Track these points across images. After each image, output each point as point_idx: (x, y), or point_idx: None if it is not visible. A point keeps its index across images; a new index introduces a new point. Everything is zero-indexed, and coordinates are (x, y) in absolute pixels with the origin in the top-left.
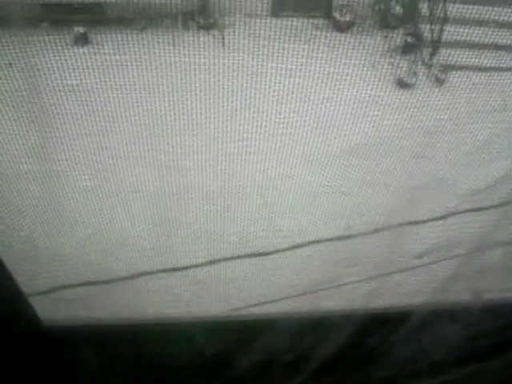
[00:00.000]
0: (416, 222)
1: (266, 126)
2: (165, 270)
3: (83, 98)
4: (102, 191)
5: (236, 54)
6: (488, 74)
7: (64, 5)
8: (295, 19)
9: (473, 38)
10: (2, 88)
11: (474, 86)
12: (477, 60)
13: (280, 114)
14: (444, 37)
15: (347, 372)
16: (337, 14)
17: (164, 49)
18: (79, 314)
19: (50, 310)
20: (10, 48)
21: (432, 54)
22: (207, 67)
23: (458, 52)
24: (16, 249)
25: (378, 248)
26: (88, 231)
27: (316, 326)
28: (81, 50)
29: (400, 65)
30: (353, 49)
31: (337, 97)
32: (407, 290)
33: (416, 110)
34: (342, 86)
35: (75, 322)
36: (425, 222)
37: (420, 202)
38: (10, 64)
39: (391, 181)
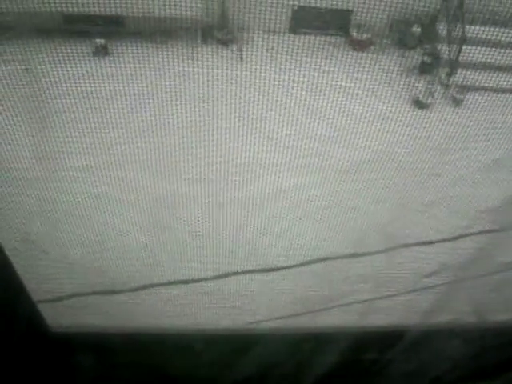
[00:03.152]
0: (426, 241)
1: (279, 139)
2: (172, 282)
3: (97, 106)
4: (111, 200)
5: (253, 68)
6: (505, 96)
7: (86, 16)
8: (313, 36)
9: (491, 59)
10: (24, 93)
11: (491, 107)
12: (494, 81)
13: (294, 128)
14: (462, 57)
15: None
16: (354, 33)
17: (182, 62)
18: (86, 322)
19: (57, 317)
20: (31, 57)
21: (449, 74)
22: (223, 79)
23: (475, 73)
24: (27, 256)
25: (386, 266)
26: (98, 239)
27: (322, 341)
28: (100, 60)
29: (417, 84)
30: (370, 66)
31: (352, 114)
32: (415, 308)
33: (432, 129)
34: (357, 104)
35: (82, 329)
36: (435, 240)
37: (431, 221)
38: (27, 69)
39: (402, 198)
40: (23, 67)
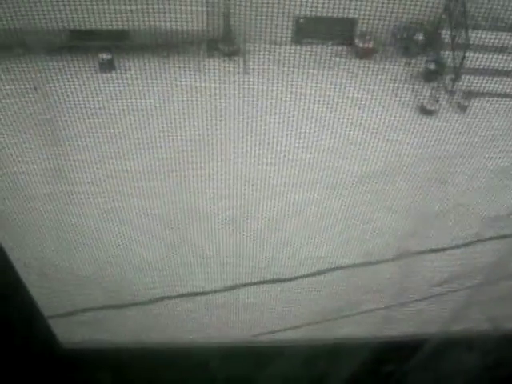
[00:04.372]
0: (437, 249)
1: (286, 151)
2: (183, 295)
3: (105, 122)
4: (121, 214)
5: (258, 80)
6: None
7: (92, 32)
8: (317, 46)
9: (495, 65)
10: (33, 111)
11: (497, 113)
12: (500, 86)
13: (300, 139)
14: (466, 63)
15: None
16: (359, 41)
17: (188, 75)
18: (97, 337)
19: (68, 333)
20: (37, 73)
21: (454, 81)
22: (229, 92)
23: (480, 78)
24: (37, 271)
25: (397, 275)
26: (108, 254)
27: (334, 352)
28: (107, 75)
29: (422, 91)
30: (375, 75)
31: (358, 122)
32: (427, 317)
33: (438, 136)
34: (363, 112)
35: (93, 344)
36: (446, 248)
37: (441, 229)
38: (35, 88)
39: (412, 206)
40: (32, 86)
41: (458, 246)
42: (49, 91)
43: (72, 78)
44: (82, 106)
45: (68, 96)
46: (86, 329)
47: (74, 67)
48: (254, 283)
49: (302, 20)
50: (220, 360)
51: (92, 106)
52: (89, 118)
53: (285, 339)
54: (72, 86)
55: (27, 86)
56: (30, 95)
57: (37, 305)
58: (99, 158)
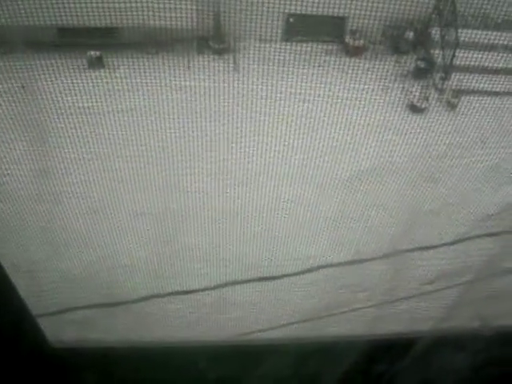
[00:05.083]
0: (427, 248)
1: (276, 150)
2: (172, 294)
3: (94, 121)
4: (110, 214)
5: (247, 78)
6: (500, 98)
7: (80, 29)
8: (307, 44)
9: (485, 63)
10: (21, 110)
11: (486, 111)
12: (489, 84)
13: (290, 138)
14: (456, 62)
15: None
16: (349, 39)
17: (177, 73)
18: (86, 336)
19: (57, 332)
20: (25, 71)
21: (444, 79)
22: (219, 91)
23: (469, 77)
24: (25, 270)
25: (387, 273)
26: (96, 253)
27: (324, 351)
28: (95, 73)
29: (412, 89)
30: (365, 73)
31: (348, 121)
32: (418, 315)
33: (428, 134)
34: (353, 111)
35: (82, 343)
36: (436, 247)
37: (431, 227)
38: (23, 86)
39: (401, 205)
40: (19, 84)
41: (447, 244)
42: (36, 89)
43: (60, 76)
44: (71, 104)
45: (56, 94)
46: (75, 328)
47: (63, 65)
48: (244, 282)
49: (292, 18)
50: (209, 359)
51: (80, 105)
52: (77, 117)
53: (274, 338)
54: (60, 84)
55: (14, 85)
56: (18, 94)
57: (25, 304)
58: (87, 157)
